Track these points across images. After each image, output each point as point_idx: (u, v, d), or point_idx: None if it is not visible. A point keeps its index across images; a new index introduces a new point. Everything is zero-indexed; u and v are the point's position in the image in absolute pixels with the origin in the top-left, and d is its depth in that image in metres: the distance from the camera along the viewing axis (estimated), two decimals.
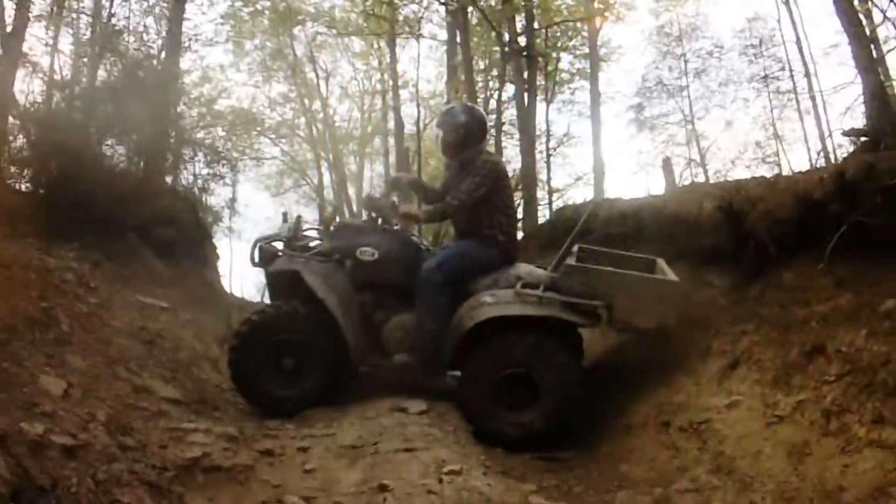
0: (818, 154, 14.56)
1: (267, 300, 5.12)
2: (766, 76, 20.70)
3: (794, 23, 18.64)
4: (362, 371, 4.26)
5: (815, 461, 2.64)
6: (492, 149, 15.43)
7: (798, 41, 18.80)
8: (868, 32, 8.16)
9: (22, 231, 5.43)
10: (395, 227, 4.48)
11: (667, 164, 10.63)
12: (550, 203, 17.54)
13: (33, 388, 2.98)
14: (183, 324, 5.64)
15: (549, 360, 3.81)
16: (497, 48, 14.99)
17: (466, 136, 4.33)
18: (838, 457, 2.57)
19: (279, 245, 4.46)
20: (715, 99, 21.35)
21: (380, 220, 4.46)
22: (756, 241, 4.08)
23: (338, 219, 5.32)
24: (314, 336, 4.12)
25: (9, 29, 9.78)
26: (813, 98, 18.54)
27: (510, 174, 16.00)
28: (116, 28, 11.33)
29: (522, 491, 3.07)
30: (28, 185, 8.28)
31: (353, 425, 3.62)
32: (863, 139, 6.83)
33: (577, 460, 3.69)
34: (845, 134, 7.81)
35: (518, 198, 13.35)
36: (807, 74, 18.85)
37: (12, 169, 8.32)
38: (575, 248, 4.35)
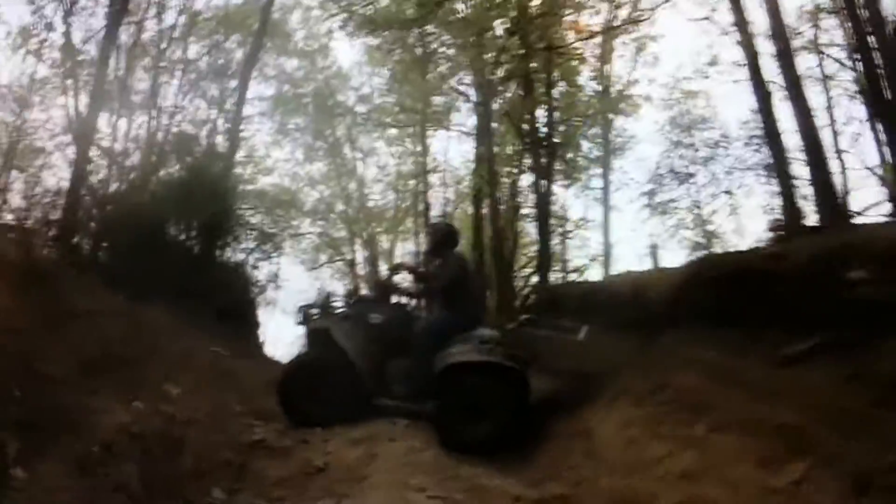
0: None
1: None
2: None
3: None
4: (372, 402, 5.83)
5: (642, 445, 4.30)
6: (510, 233, 17.03)
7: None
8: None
9: (108, 288, 7.24)
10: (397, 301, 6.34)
11: (653, 250, 12.25)
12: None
13: (160, 389, 4.84)
14: (240, 367, 7.50)
15: (494, 392, 5.44)
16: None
17: (441, 242, 6.30)
18: (648, 442, 4.25)
19: (315, 310, 6.34)
20: (722, 185, 23.03)
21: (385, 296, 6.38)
22: (651, 313, 5.78)
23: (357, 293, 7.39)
24: (339, 374, 5.76)
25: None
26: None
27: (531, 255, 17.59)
28: (188, 133, 13.40)
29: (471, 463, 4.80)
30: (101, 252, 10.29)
31: (359, 429, 5.30)
32: (777, 233, 8.43)
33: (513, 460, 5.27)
34: (769, 230, 9.36)
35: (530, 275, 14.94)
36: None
37: (84, 239, 10.27)
38: (522, 317, 6.12)
